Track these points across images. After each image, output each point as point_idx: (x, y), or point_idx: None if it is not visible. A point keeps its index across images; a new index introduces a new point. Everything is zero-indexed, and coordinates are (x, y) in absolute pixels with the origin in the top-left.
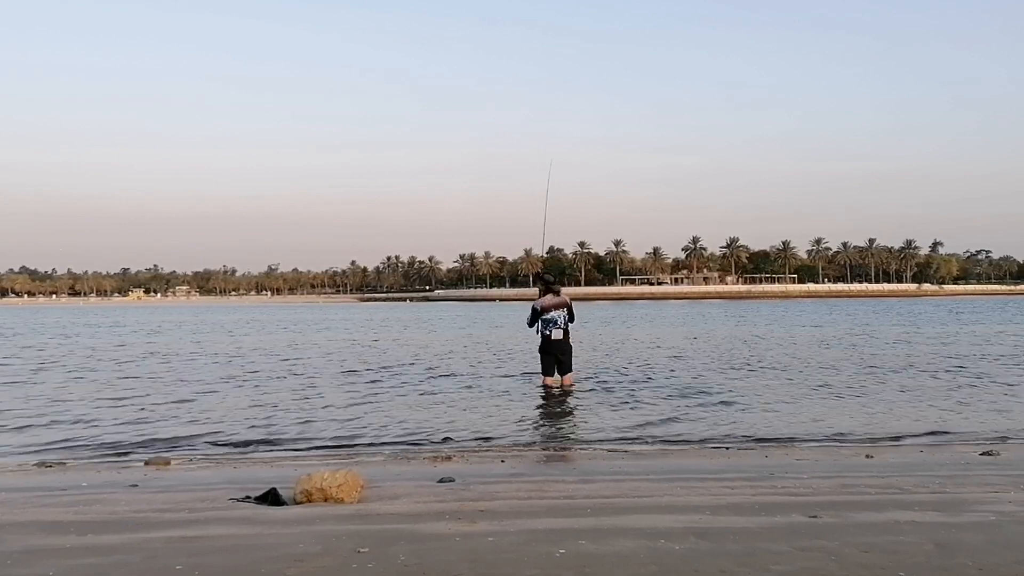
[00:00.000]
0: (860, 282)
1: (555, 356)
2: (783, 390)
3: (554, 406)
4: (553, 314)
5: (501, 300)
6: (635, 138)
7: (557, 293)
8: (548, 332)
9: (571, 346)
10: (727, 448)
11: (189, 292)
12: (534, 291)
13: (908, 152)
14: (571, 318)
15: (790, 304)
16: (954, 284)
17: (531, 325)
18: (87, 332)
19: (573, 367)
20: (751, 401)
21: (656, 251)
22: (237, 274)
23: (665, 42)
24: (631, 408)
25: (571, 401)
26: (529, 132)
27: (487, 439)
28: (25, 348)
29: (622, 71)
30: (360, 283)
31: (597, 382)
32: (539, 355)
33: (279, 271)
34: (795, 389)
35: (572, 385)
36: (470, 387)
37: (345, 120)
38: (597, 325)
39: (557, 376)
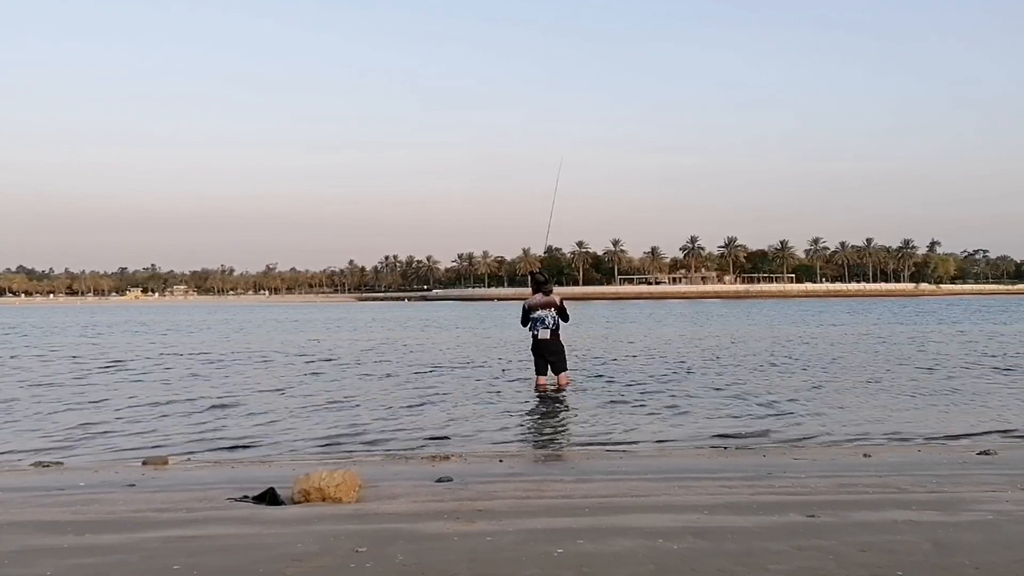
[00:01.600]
0: (858, 282)
1: (545, 356)
2: (798, 390)
3: (551, 406)
4: (540, 313)
5: (499, 299)
6: (635, 138)
7: (547, 293)
8: (535, 332)
9: (562, 346)
10: (724, 448)
11: (187, 292)
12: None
13: (908, 152)
14: (564, 318)
15: (792, 304)
16: (951, 284)
17: (524, 324)
18: (107, 331)
19: (569, 365)
20: (765, 400)
21: (654, 251)
22: (235, 273)
23: (665, 42)
24: (629, 408)
25: (569, 401)
26: (529, 132)
27: (485, 439)
28: (34, 348)
29: (622, 71)
30: (358, 283)
31: (597, 381)
32: (532, 355)
33: (277, 271)
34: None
35: (568, 384)
36: (468, 386)
37: (345, 120)
38: (601, 324)
39: (551, 375)
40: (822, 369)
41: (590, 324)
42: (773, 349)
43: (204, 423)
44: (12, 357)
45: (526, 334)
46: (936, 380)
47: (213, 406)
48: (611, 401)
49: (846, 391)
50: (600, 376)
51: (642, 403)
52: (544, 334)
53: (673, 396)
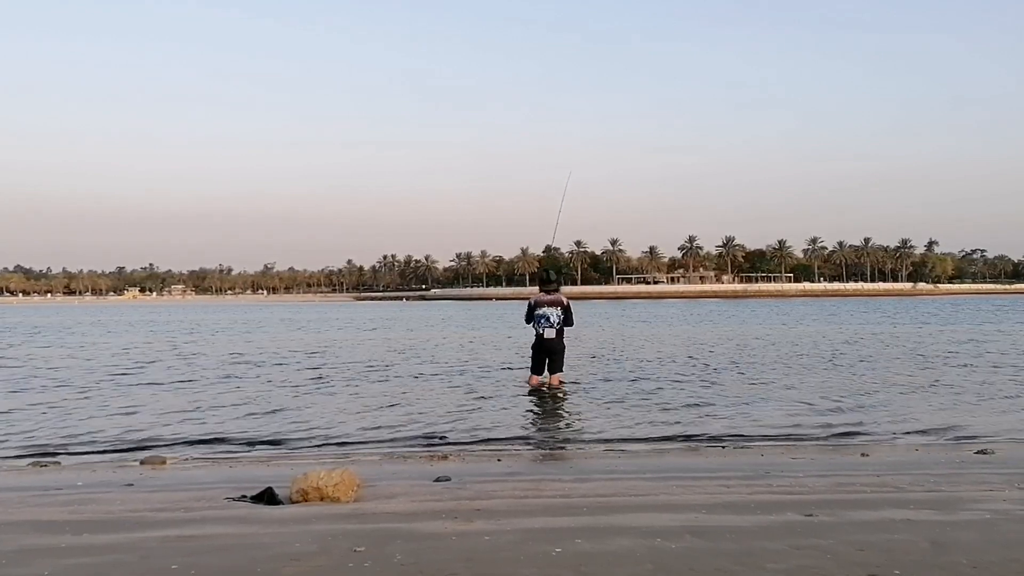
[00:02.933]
0: (855, 281)
1: (546, 355)
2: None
3: (548, 405)
4: (546, 310)
5: (498, 299)
6: (635, 138)
7: (555, 291)
8: (541, 331)
9: (564, 346)
10: (723, 447)
11: (184, 291)
12: (531, 289)
13: (908, 152)
14: (568, 322)
15: (792, 304)
16: (949, 283)
17: (528, 321)
18: (125, 331)
19: (572, 364)
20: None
21: (652, 250)
22: (233, 273)
23: (665, 42)
24: (628, 407)
25: (566, 400)
26: (529, 132)
27: (483, 438)
28: (39, 347)
29: (622, 71)
30: (356, 282)
31: (599, 380)
32: (531, 352)
33: (275, 270)
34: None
35: (561, 385)
36: (465, 386)
37: (345, 120)
38: (606, 323)
39: (546, 375)
40: (824, 367)
41: (594, 323)
42: (767, 345)
43: (204, 423)
44: (29, 356)
45: (528, 332)
46: (934, 378)
47: (215, 406)
48: (610, 400)
49: (857, 389)
50: (602, 376)
51: (641, 402)
52: (550, 333)
53: (674, 395)
